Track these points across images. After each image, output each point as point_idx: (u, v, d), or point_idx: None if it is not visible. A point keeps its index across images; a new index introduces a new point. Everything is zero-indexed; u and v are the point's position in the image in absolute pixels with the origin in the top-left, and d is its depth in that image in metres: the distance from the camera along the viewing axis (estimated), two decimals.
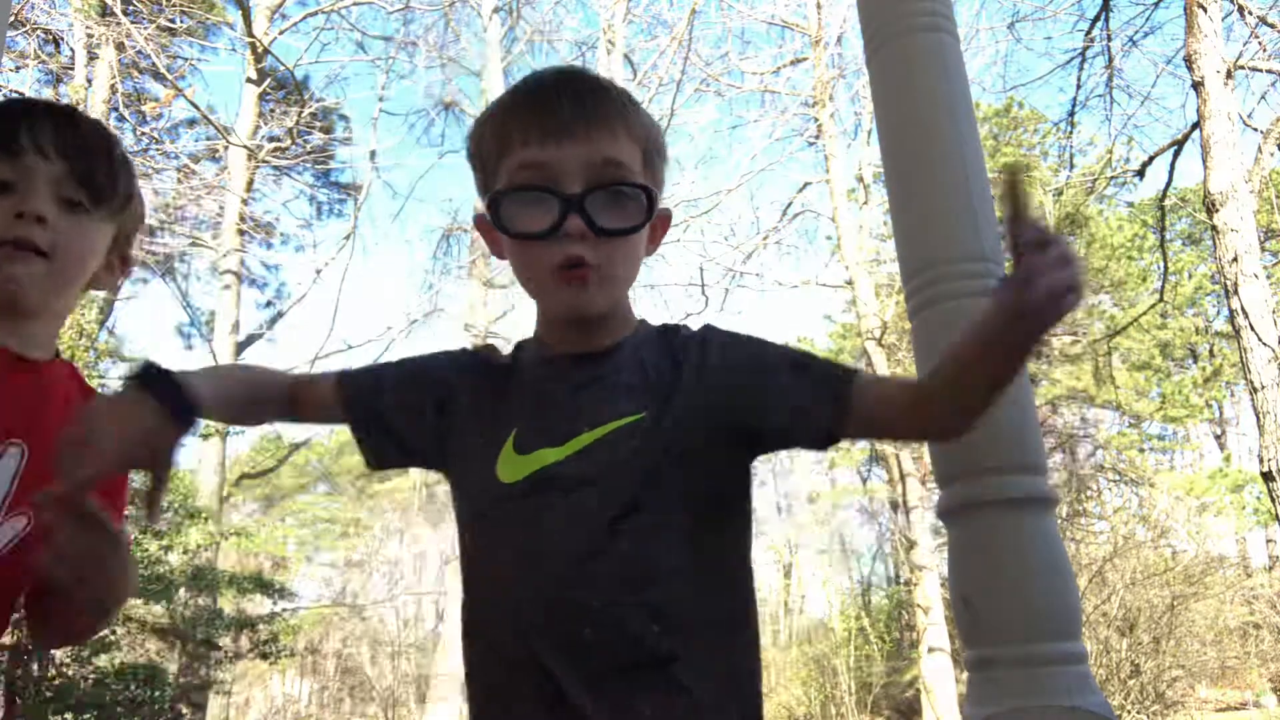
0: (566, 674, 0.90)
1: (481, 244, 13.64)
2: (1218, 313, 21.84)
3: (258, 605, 11.85)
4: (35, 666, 7.54)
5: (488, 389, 1.08)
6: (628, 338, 1.08)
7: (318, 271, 14.26)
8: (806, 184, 15.33)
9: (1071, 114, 9.52)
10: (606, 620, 0.92)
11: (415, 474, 29.00)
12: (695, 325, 1.12)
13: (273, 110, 14.29)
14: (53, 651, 7.66)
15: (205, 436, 11.08)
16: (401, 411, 1.09)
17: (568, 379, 1.05)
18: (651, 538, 0.96)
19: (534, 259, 1.01)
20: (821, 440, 1.03)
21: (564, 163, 0.98)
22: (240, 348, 12.75)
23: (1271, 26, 8.39)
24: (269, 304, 15.94)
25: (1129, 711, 10.44)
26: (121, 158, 1.23)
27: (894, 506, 18.28)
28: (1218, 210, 6.77)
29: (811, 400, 1.02)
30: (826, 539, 26.72)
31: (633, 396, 1.02)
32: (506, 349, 1.16)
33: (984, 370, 0.96)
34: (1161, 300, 12.30)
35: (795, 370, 1.04)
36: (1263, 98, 8.87)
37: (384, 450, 1.10)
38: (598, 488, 0.96)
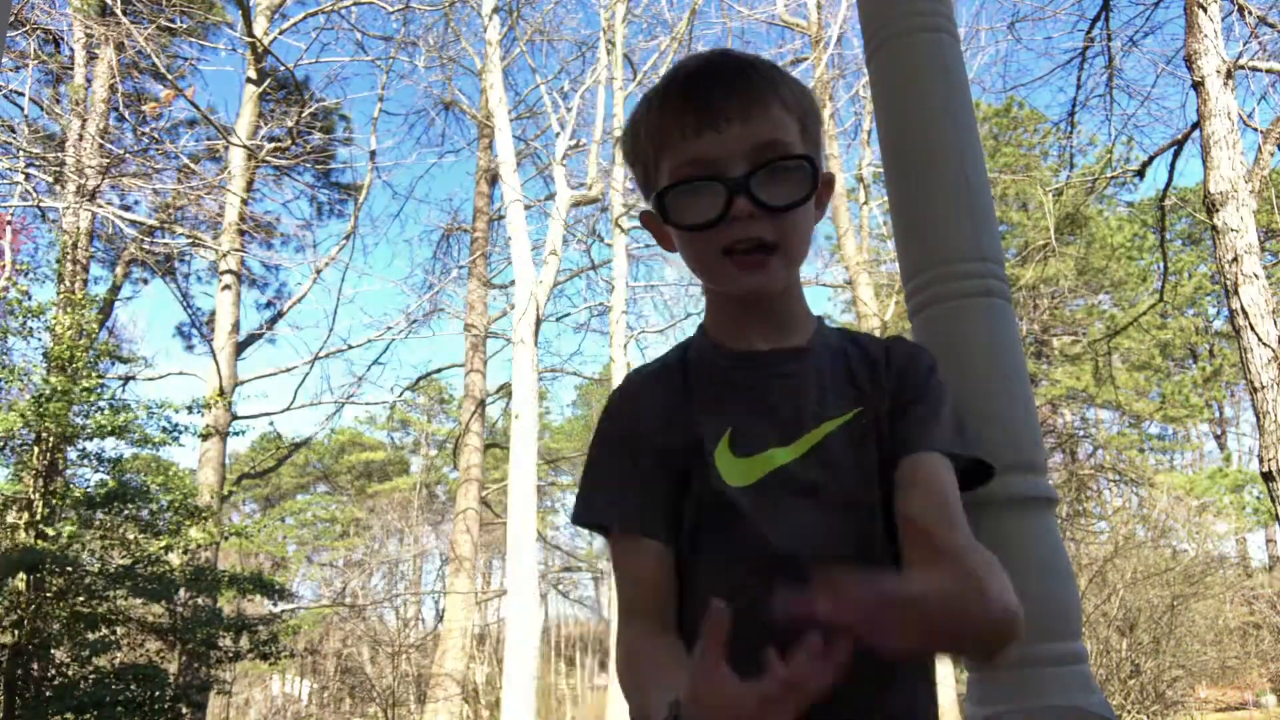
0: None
1: (483, 243, 13.56)
2: (1218, 313, 21.87)
3: (257, 605, 11.85)
4: (35, 666, 7.55)
5: (676, 402, 1.04)
6: (817, 334, 1.08)
7: (318, 271, 14.26)
8: None
9: (1071, 114, 9.52)
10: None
11: (415, 474, 29.01)
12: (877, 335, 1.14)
13: (273, 110, 14.29)
14: (53, 651, 7.66)
15: (204, 436, 11.08)
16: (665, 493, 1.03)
17: (775, 373, 1.04)
18: (879, 543, 0.97)
19: (706, 246, 1.01)
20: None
21: (724, 149, 0.98)
22: (240, 348, 12.75)
23: (1271, 26, 8.39)
24: (269, 304, 15.95)
25: (1129, 711, 10.45)
26: None
27: None
28: (1218, 210, 6.77)
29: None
30: None
31: (843, 395, 1.02)
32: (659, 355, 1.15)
33: None
34: (1161, 300, 12.31)
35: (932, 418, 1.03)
36: (1263, 98, 8.88)
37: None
38: (833, 489, 0.97)
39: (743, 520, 0.96)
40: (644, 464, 1.02)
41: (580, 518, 1.04)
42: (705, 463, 0.99)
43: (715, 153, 0.98)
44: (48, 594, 7.63)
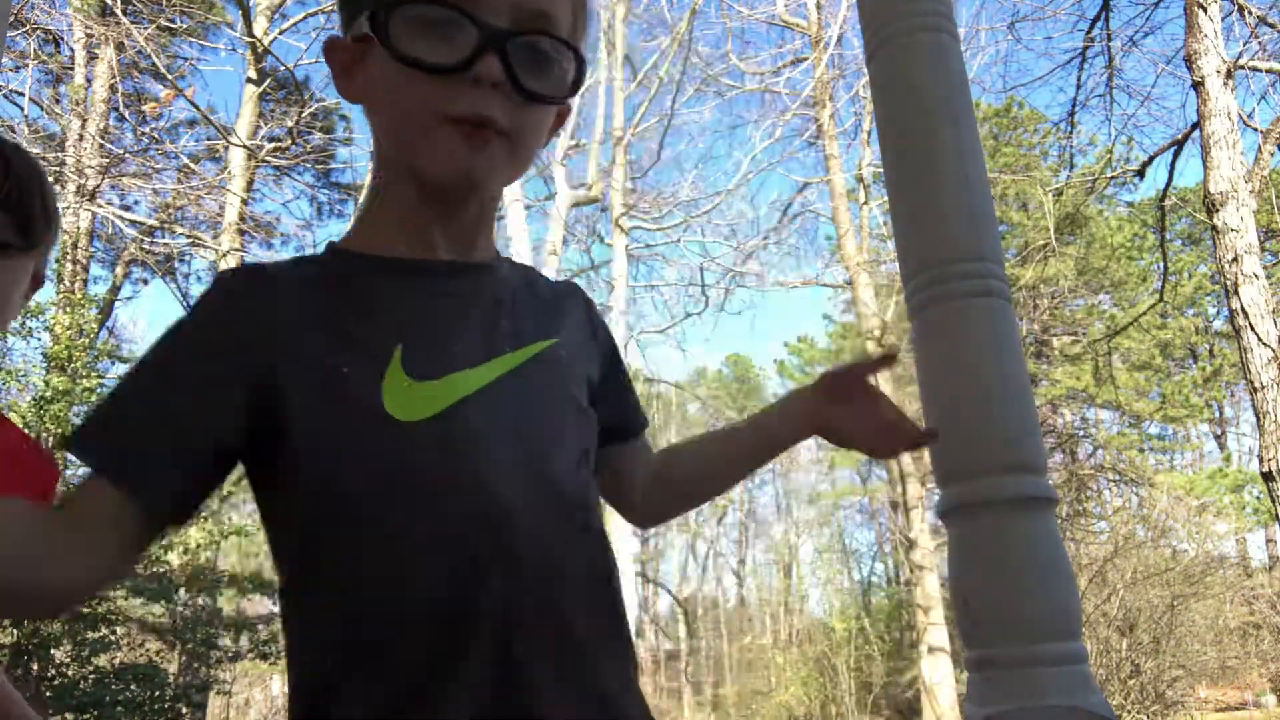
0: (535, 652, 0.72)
1: None
2: (1218, 313, 21.86)
3: (257, 605, 11.85)
4: (35, 666, 7.55)
5: (315, 312, 0.76)
6: (499, 258, 0.88)
7: None
8: (806, 184, 15.34)
9: (1071, 114, 9.53)
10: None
11: None
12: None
13: (273, 110, 14.29)
14: (52, 651, 7.67)
15: None
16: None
17: (461, 288, 0.81)
18: (589, 483, 0.83)
19: (426, 99, 0.75)
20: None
21: None
22: None
23: (1271, 26, 8.39)
24: None
25: (1129, 711, 10.45)
26: (50, 190, 1.16)
27: (894, 506, 18.29)
28: (1218, 210, 6.77)
29: (631, 414, 0.98)
30: (827, 539, 26.74)
31: (539, 320, 0.85)
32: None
33: (732, 479, 1.05)
34: (1161, 300, 12.31)
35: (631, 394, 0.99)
36: (1263, 98, 8.87)
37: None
38: (541, 426, 0.79)
39: (427, 473, 0.72)
40: (215, 399, 0.72)
41: (84, 444, 0.72)
42: (358, 398, 0.72)
43: None
44: None
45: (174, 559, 8.73)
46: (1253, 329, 6.44)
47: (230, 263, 12.49)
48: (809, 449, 25.78)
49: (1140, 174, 9.86)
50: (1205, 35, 7.04)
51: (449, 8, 0.75)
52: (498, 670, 0.69)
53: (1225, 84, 6.99)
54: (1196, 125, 7.28)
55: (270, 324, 0.74)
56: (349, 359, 0.73)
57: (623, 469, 0.98)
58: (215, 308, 0.76)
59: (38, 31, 12.06)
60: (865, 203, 15.94)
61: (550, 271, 11.26)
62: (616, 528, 11.95)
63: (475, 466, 0.73)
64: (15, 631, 7.36)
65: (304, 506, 0.73)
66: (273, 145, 13.66)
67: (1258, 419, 6.46)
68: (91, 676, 7.39)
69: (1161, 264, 11.28)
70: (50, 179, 1.21)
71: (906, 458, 13.75)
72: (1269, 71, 8.30)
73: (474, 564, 0.71)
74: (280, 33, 13.64)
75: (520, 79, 0.76)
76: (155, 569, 8.21)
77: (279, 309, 0.75)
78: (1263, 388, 6.37)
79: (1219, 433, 25.87)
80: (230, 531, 10.51)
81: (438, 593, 0.70)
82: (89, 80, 12.02)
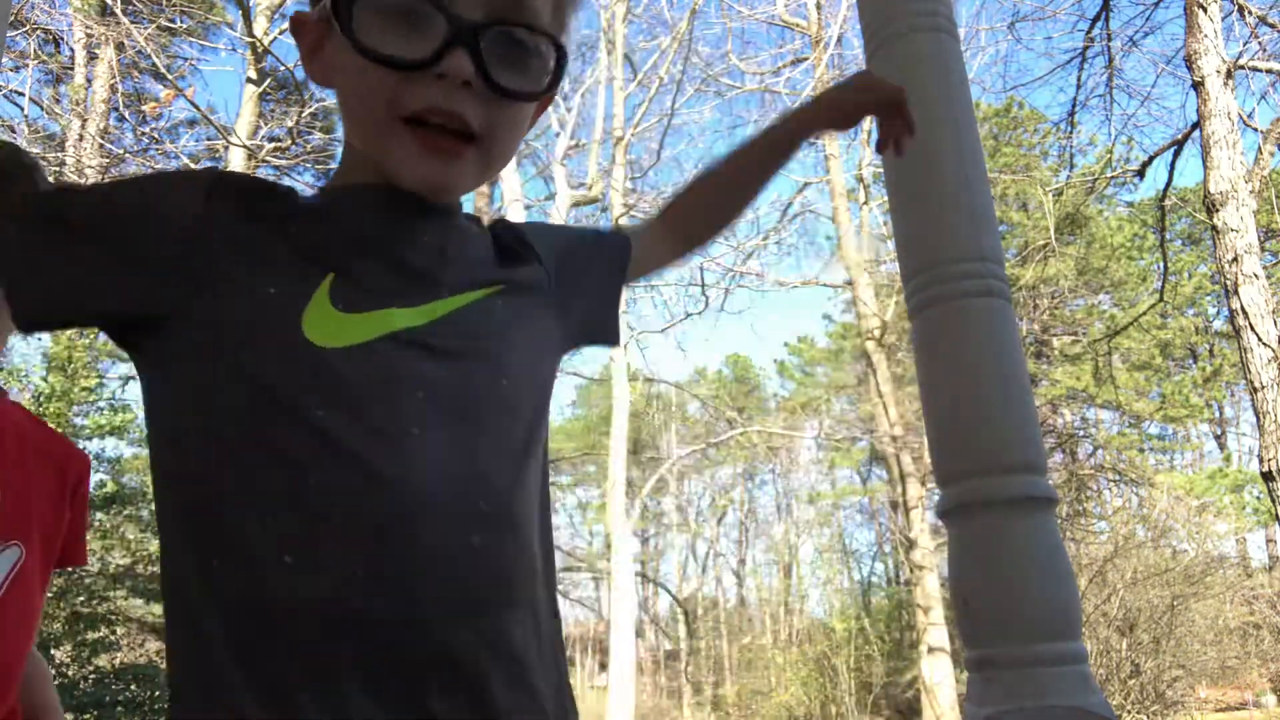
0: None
1: None
2: (1218, 313, 21.86)
3: None
4: None
5: (269, 226, 0.71)
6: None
7: None
8: (806, 184, 15.34)
9: (1071, 114, 9.53)
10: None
11: None
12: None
13: (273, 110, 14.29)
14: (53, 651, 7.66)
15: None
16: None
17: (415, 224, 0.75)
18: (535, 483, 0.74)
19: (384, 95, 0.70)
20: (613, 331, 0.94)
21: None
22: None
23: (1271, 26, 8.38)
24: None
25: (1129, 711, 10.44)
26: None
27: (894, 506, 18.30)
28: (1218, 210, 6.77)
29: (613, 291, 0.94)
30: (827, 539, 26.74)
31: (486, 267, 0.79)
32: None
33: (763, 176, 1.06)
34: (1161, 300, 12.31)
35: (597, 258, 0.93)
36: (1263, 98, 8.87)
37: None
38: (472, 375, 0.71)
39: (330, 432, 0.63)
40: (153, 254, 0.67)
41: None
42: (279, 311, 0.66)
43: None
44: (48, 594, 7.64)
45: None
46: (1253, 329, 6.44)
47: None
48: (809, 449, 25.80)
49: (1140, 174, 9.86)
50: (1205, 35, 7.04)
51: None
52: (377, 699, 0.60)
53: (1225, 84, 6.99)
54: (1196, 125, 7.28)
55: (230, 220, 0.69)
56: (278, 280, 0.67)
57: (643, 251, 0.99)
58: (205, 179, 0.72)
59: (38, 31, 12.06)
60: (865, 203, 15.94)
61: None
62: (615, 527, 11.94)
63: (382, 424, 0.64)
64: None
65: (189, 402, 0.66)
66: (273, 145, 13.67)
67: (1258, 419, 6.46)
68: (91, 676, 7.39)
69: (1161, 264, 11.28)
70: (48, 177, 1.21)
71: (907, 458, 13.75)
72: (1269, 71, 8.30)
73: (352, 540, 0.61)
74: (280, 33, 13.65)
75: (493, 75, 0.70)
76: (155, 569, 8.22)
77: (253, 212, 0.71)
78: (1263, 388, 6.37)
79: (1219, 433, 25.87)
80: None
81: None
82: (89, 80, 12.03)
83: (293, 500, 0.61)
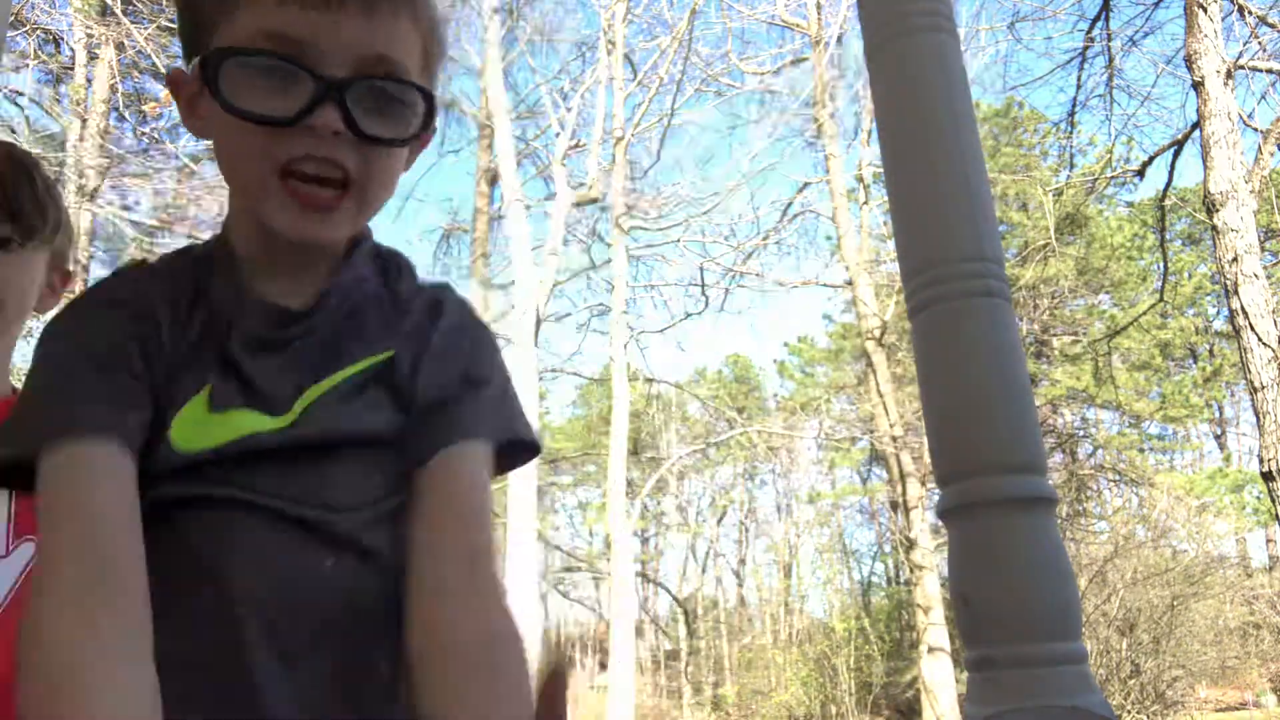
0: None
1: (483, 243, 13.52)
2: (1218, 313, 21.88)
3: None
4: None
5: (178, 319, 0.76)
6: (343, 276, 0.81)
7: None
8: (806, 184, 15.35)
9: (1071, 114, 9.54)
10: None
11: None
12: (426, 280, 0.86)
13: None
14: None
15: None
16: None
17: (272, 338, 0.77)
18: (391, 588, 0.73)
19: (258, 150, 0.72)
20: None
21: (327, 38, 0.72)
22: None
23: (1271, 26, 8.39)
24: None
25: (1129, 711, 10.45)
26: (45, 183, 1.19)
27: (894, 506, 18.30)
28: (1218, 210, 6.78)
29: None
30: (827, 539, 26.75)
31: (354, 346, 0.79)
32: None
33: None
34: (1161, 300, 12.33)
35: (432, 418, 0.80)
36: (1263, 98, 8.87)
37: None
38: (312, 480, 0.73)
39: (192, 535, 0.69)
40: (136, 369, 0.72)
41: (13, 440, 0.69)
42: (161, 420, 0.70)
43: (314, 36, 0.71)
44: None
45: None
46: (1253, 329, 6.44)
47: None
48: (809, 449, 25.80)
49: (1140, 174, 9.87)
50: (1205, 35, 7.04)
51: (281, 59, 0.71)
52: None
53: (1225, 84, 6.99)
54: (1196, 125, 7.29)
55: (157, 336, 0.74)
56: (183, 382, 0.73)
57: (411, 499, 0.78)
58: (122, 297, 0.76)
59: (38, 31, 12.06)
60: (865, 203, 15.94)
61: (550, 271, 11.27)
62: (615, 527, 11.95)
63: (221, 539, 0.69)
64: None
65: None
66: None
67: (1258, 419, 6.46)
68: None
69: (1161, 264, 11.30)
70: (48, 174, 1.23)
71: (907, 458, 13.76)
72: (1269, 71, 8.30)
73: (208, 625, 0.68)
74: None
75: (361, 125, 0.73)
76: None
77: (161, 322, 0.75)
78: (1263, 388, 6.37)
79: (1219, 433, 25.88)
80: None
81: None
82: (89, 80, 12.03)
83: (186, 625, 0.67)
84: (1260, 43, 8.35)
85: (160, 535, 0.66)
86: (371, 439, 0.76)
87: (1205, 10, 7.07)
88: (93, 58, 11.97)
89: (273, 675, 0.67)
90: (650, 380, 16.53)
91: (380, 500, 0.75)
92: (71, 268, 1.27)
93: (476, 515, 0.74)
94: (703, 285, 14.18)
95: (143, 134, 13.21)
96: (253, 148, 0.73)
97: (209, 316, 0.76)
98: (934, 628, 12.85)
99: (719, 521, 29.27)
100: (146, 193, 12.76)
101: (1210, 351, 22.86)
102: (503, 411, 0.83)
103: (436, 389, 0.79)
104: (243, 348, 0.75)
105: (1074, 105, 9.42)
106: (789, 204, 15.22)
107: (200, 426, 0.70)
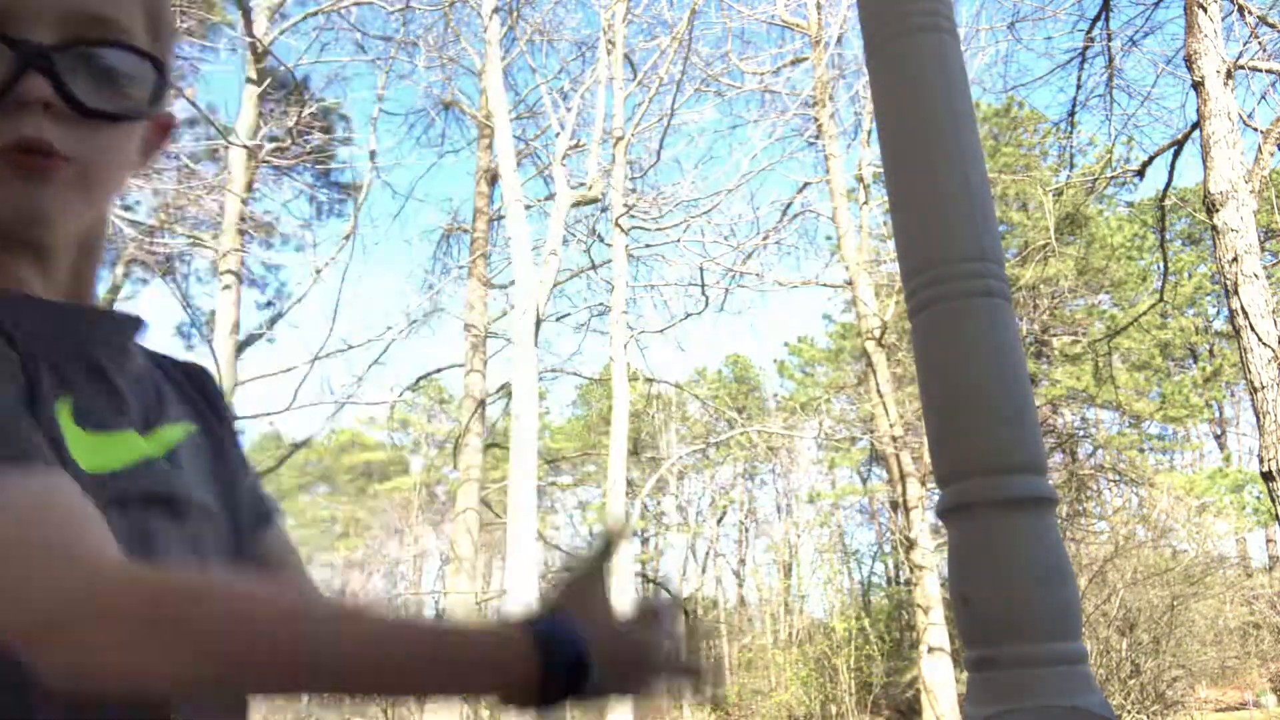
0: None
1: (483, 243, 13.55)
2: (1218, 313, 21.89)
3: None
4: None
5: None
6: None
7: (318, 271, 14.25)
8: (806, 184, 15.35)
9: (1071, 114, 9.53)
10: None
11: (415, 474, 29.04)
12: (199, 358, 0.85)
13: (273, 110, 14.30)
14: None
15: None
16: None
17: (110, 341, 0.71)
18: None
19: None
20: None
21: (29, 2, 0.63)
22: (240, 348, 12.76)
23: (1272, 26, 8.39)
24: (269, 304, 15.95)
25: (1129, 711, 10.45)
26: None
27: (894, 506, 18.29)
28: (1218, 210, 6.77)
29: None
30: (827, 539, 26.75)
31: (179, 402, 0.75)
32: None
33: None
34: (1161, 300, 12.32)
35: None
36: (1263, 98, 8.87)
37: None
38: (209, 520, 0.71)
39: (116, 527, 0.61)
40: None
41: None
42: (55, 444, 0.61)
43: (11, 2, 0.63)
44: None
45: None
46: (1253, 329, 6.44)
47: (230, 262, 12.51)
48: (809, 448, 25.80)
49: (1140, 174, 9.86)
50: (1205, 35, 7.04)
51: None
52: None
53: (1225, 84, 6.99)
54: (1196, 125, 7.28)
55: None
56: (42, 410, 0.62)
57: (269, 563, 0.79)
58: None
59: None
60: (865, 203, 15.94)
61: (550, 271, 11.26)
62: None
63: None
64: None
65: None
66: (273, 145, 13.68)
67: (1258, 419, 6.46)
68: None
69: (1161, 264, 11.29)
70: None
71: (907, 458, 13.76)
72: (1269, 71, 8.30)
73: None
74: (280, 33, 13.66)
75: (78, 96, 0.63)
76: None
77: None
78: (1263, 388, 6.37)
79: (1219, 433, 25.89)
80: None
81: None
82: None
83: None
84: (1260, 43, 8.34)
85: None
86: None
87: (1205, 10, 7.07)
88: None
89: None
90: (650, 380, 16.52)
91: None
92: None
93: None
94: (702, 285, 14.17)
95: None
96: None
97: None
98: (934, 628, 12.85)
99: (719, 521, 29.28)
100: (146, 193, 12.76)
101: (1210, 351, 22.87)
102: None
103: (255, 485, 0.82)
104: (83, 360, 0.68)
105: (1074, 105, 9.42)
106: (789, 204, 15.21)
107: (88, 442, 0.63)
